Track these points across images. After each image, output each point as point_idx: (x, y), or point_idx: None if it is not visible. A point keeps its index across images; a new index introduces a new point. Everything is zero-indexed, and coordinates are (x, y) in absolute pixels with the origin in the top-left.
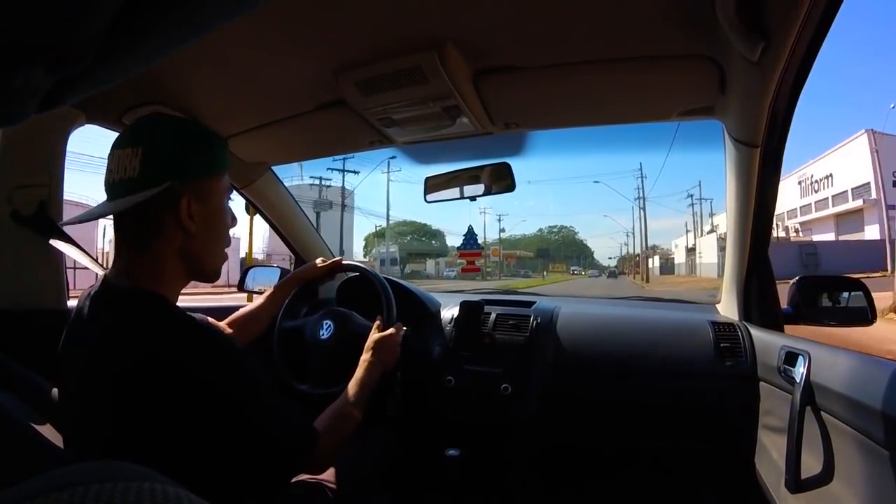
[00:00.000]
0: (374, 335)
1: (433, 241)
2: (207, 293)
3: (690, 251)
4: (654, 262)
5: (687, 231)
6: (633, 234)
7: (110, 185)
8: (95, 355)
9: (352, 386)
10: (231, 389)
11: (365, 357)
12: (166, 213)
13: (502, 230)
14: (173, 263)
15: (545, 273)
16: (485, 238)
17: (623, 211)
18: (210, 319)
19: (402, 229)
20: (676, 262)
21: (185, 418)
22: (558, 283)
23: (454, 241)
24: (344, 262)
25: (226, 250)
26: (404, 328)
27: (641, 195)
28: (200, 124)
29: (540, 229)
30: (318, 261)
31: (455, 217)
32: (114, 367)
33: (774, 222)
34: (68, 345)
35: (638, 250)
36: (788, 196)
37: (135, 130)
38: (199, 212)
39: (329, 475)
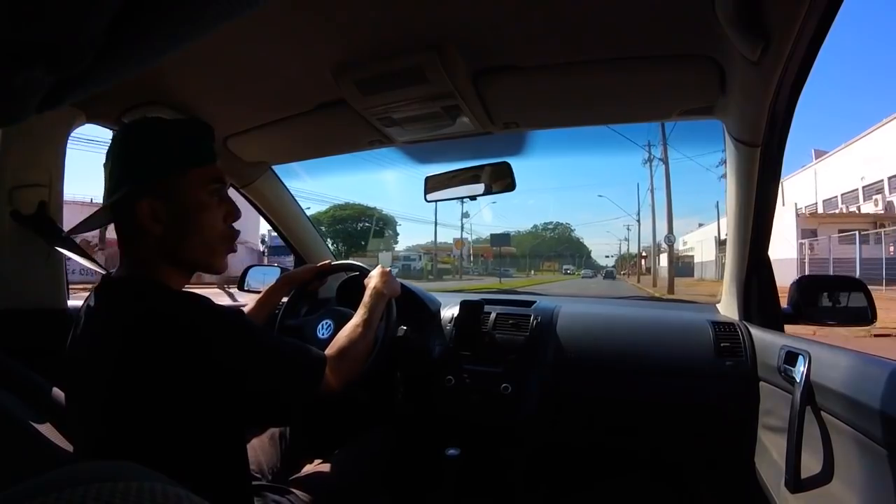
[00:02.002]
0: (370, 277)
1: (386, 230)
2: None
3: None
4: (660, 262)
5: (700, 221)
6: (641, 216)
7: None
8: (95, 343)
9: (359, 312)
10: (225, 347)
11: (369, 286)
12: (131, 219)
13: (465, 214)
14: (160, 260)
15: (531, 272)
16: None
17: (622, 186)
18: None
19: (339, 213)
20: (698, 260)
21: (183, 383)
22: (529, 286)
23: (418, 228)
24: (335, 262)
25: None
26: (404, 328)
27: (662, 141)
28: (167, 122)
29: (535, 226)
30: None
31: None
32: (109, 351)
33: (863, 198)
34: (73, 341)
35: (642, 245)
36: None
37: (110, 145)
38: (166, 210)
39: (329, 475)
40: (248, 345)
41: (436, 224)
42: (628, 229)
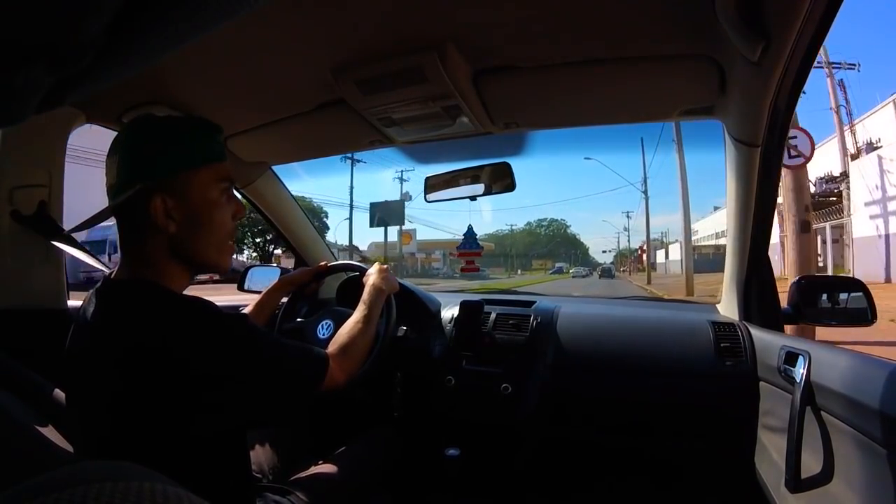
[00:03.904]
0: (369, 275)
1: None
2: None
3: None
4: (670, 256)
5: (716, 204)
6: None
7: (107, 192)
8: (94, 346)
9: (359, 308)
10: (227, 355)
11: (367, 283)
12: (142, 215)
13: (407, 197)
14: (167, 259)
15: (518, 272)
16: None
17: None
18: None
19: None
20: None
21: (185, 389)
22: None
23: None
24: (332, 263)
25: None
26: (404, 328)
27: None
28: (179, 119)
29: (528, 223)
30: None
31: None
32: (110, 355)
33: None
34: (73, 341)
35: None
36: None
37: (117, 138)
38: (178, 208)
39: (330, 475)
40: (249, 352)
41: (351, 207)
42: (628, 217)
